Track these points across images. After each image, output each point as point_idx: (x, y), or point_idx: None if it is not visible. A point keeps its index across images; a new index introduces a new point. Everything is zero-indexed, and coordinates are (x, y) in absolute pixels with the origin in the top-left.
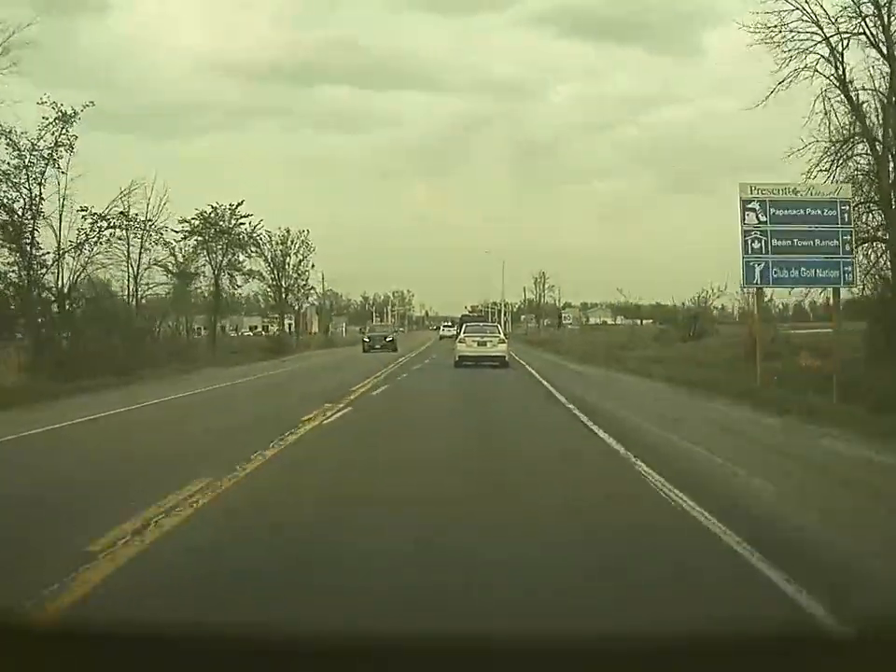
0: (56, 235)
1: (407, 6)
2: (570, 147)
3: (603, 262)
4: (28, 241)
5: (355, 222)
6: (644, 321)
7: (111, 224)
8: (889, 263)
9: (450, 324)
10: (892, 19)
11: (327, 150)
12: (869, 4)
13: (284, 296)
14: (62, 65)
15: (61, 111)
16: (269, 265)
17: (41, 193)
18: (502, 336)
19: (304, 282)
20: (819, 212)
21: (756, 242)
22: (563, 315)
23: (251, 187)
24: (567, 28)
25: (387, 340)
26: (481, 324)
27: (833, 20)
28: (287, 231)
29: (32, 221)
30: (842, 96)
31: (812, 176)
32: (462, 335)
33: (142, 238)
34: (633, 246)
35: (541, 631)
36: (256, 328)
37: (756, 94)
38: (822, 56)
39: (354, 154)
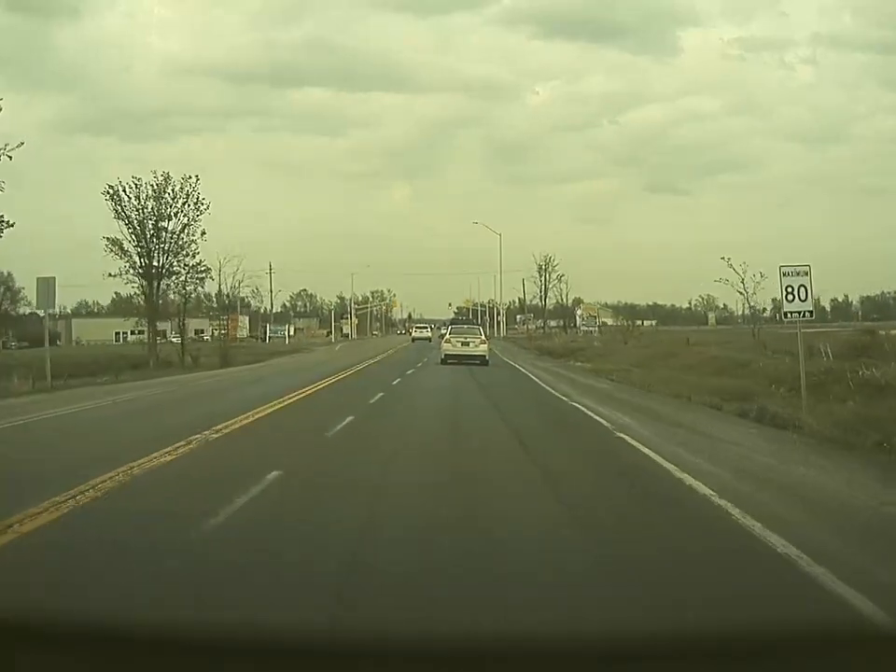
0: None
1: (382, 6)
2: (550, 148)
3: (589, 262)
4: None
5: (333, 224)
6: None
7: None
8: None
9: (424, 325)
10: None
11: (304, 152)
12: None
13: (157, 282)
14: (37, 68)
15: None
16: (132, 230)
17: None
18: (483, 338)
19: (192, 257)
20: None
21: None
22: (577, 314)
23: (227, 188)
24: (544, 27)
25: None
26: (464, 326)
27: None
28: (167, 178)
29: None
30: None
31: None
32: (448, 336)
33: None
34: (617, 246)
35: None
36: (202, 332)
37: None
38: None
39: (332, 156)
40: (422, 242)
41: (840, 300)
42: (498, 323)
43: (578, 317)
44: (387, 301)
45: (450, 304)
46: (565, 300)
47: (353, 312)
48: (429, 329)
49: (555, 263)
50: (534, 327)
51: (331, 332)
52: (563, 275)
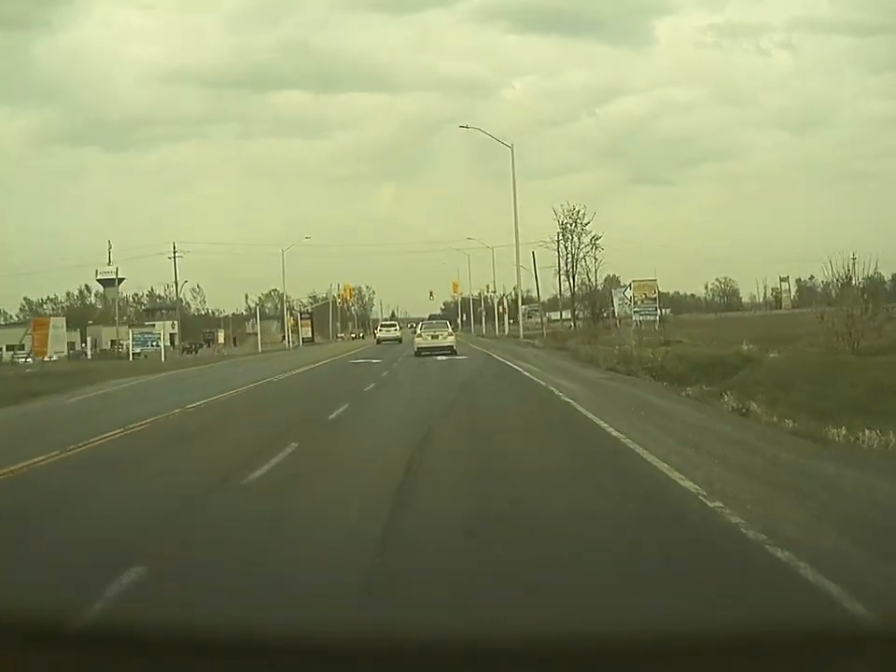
0: None
1: (356, 7)
2: (531, 143)
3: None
4: None
5: (317, 227)
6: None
7: None
8: None
9: (392, 323)
10: None
11: (287, 156)
12: None
13: None
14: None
15: None
16: None
17: None
18: (450, 331)
19: None
20: None
21: None
22: (619, 297)
23: (211, 193)
24: (518, 22)
25: None
26: (434, 322)
27: None
28: None
29: None
30: None
31: None
32: (419, 331)
33: None
34: (605, 238)
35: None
36: (117, 342)
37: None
38: None
39: (315, 159)
40: (405, 241)
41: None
42: (502, 314)
43: (617, 304)
44: (367, 298)
45: (431, 294)
46: (595, 278)
47: (287, 309)
48: (398, 328)
49: (586, 221)
50: (545, 319)
51: (285, 337)
52: (598, 237)
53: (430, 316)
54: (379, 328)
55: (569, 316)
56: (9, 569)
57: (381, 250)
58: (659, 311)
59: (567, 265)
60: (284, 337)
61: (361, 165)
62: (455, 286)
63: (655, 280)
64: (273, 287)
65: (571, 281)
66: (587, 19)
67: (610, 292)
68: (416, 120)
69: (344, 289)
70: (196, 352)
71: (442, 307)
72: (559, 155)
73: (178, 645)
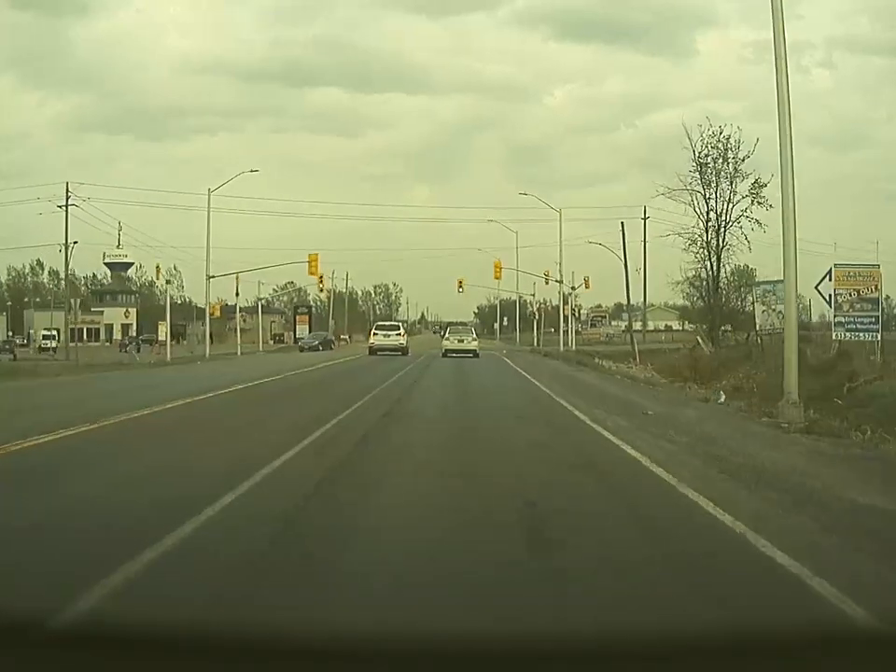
0: None
1: (395, 6)
2: (568, 151)
3: (614, 266)
4: None
5: (349, 225)
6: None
7: None
8: None
9: (394, 325)
10: None
11: (321, 153)
12: None
13: None
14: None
15: None
16: None
17: None
18: (475, 336)
19: None
20: None
21: None
22: (766, 299)
23: (244, 188)
24: (559, 29)
25: None
26: (460, 328)
27: None
28: None
29: None
30: None
31: None
32: (446, 335)
33: None
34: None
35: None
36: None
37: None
38: None
39: (349, 157)
40: (439, 243)
41: None
42: (571, 318)
43: (761, 311)
44: (394, 297)
45: (460, 284)
46: (716, 266)
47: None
48: (403, 332)
49: (743, 155)
50: (612, 329)
51: (280, 337)
52: (763, 184)
53: (452, 322)
54: (375, 330)
55: (659, 326)
56: None
57: (414, 254)
58: (881, 320)
59: (707, 234)
60: (279, 338)
61: (397, 165)
62: (498, 266)
63: (878, 266)
64: (290, 280)
65: (714, 264)
66: (629, 28)
67: (744, 291)
68: (452, 123)
69: (310, 260)
70: (139, 349)
71: (476, 311)
72: (594, 164)
73: (179, 644)
